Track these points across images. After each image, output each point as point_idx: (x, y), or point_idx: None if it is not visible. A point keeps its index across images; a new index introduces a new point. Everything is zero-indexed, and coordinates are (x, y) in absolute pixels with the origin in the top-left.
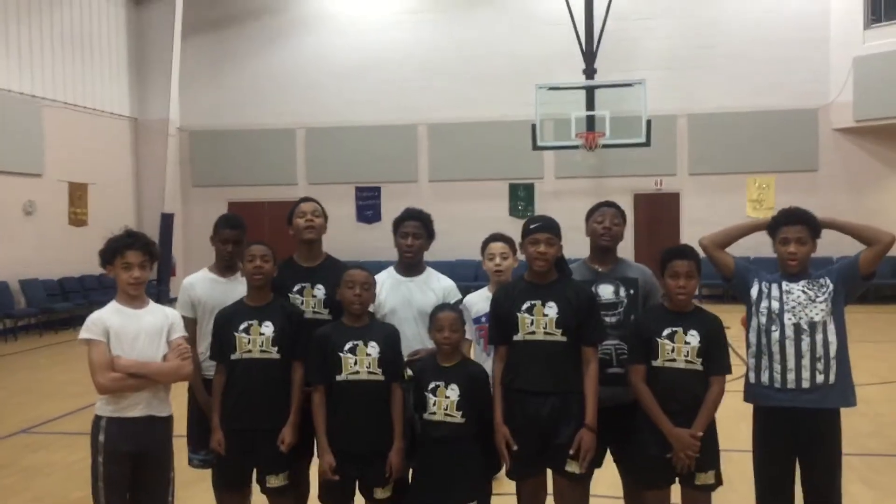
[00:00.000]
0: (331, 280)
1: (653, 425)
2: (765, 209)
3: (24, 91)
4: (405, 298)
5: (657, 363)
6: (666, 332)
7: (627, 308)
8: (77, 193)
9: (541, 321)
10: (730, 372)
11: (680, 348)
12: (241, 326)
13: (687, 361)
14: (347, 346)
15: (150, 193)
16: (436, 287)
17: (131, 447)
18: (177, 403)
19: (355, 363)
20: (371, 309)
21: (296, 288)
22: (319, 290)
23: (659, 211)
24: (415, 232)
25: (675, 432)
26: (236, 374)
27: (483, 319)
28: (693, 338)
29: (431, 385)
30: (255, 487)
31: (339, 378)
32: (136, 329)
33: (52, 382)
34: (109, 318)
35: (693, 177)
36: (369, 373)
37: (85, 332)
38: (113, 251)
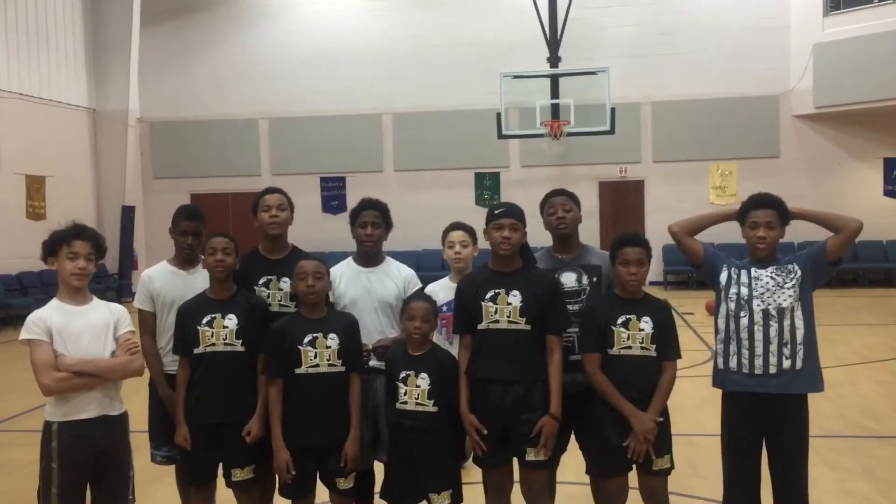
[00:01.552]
0: None
1: (612, 414)
2: (727, 196)
3: None
4: (365, 289)
5: (613, 351)
6: (620, 319)
7: (590, 296)
8: (35, 186)
9: (504, 310)
10: (680, 357)
11: (635, 335)
12: (204, 320)
13: (642, 348)
14: (307, 339)
15: (109, 186)
16: (395, 277)
17: (87, 450)
18: (138, 399)
19: (315, 356)
20: (331, 299)
21: (261, 281)
22: (285, 283)
23: (624, 198)
24: (373, 221)
25: (637, 415)
26: (201, 367)
27: (444, 308)
28: (647, 324)
29: (402, 374)
30: (220, 483)
31: (298, 371)
32: (79, 327)
33: (10, 379)
34: (51, 317)
35: (657, 164)
36: (329, 365)
37: (26, 333)
38: (59, 240)
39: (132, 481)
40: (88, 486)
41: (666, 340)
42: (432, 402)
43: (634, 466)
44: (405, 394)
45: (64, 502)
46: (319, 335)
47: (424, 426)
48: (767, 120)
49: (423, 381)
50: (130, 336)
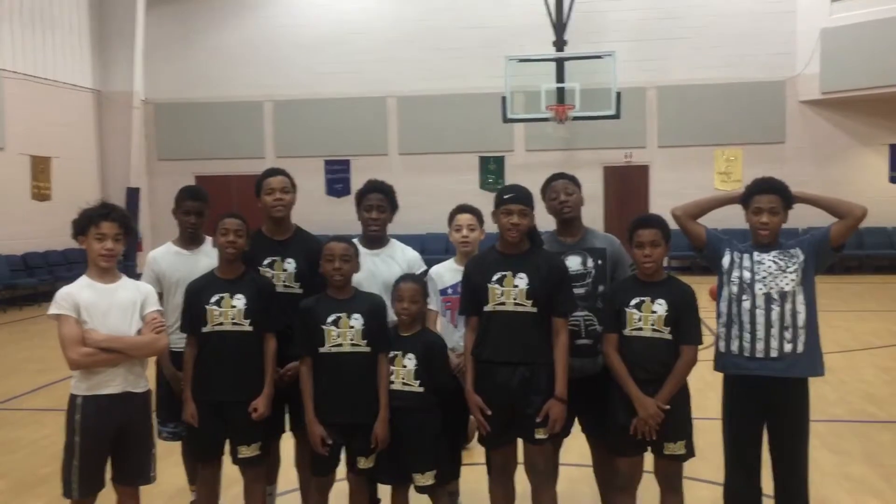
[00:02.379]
0: (301, 253)
1: (624, 394)
2: (732, 181)
3: None
4: (370, 271)
5: (626, 332)
6: (634, 301)
7: (595, 279)
8: (40, 167)
9: (511, 292)
10: (700, 342)
11: (647, 317)
12: (213, 299)
13: (654, 330)
14: (330, 319)
15: (114, 167)
16: (400, 259)
17: (110, 425)
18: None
19: (338, 335)
20: None
21: (266, 261)
22: (290, 264)
23: (628, 183)
24: (379, 204)
25: (641, 399)
26: (208, 346)
27: (449, 291)
28: (660, 306)
29: (390, 355)
30: (226, 459)
31: (322, 350)
32: (107, 304)
33: (16, 359)
34: (80, 293)
35: (662, 149)
36: (352, 345)
37: (54, 308)
38: (87, 221)
39: (154, 458)
40: (111, 462)
41: (684, 324)
42: (418, 382)
43: (650, 448)
44: (392, 374)
45: (84, 474)
46: (343, 315)
47: (410, 406)
48: (773, 105)
49: (410, 361)
50: (157, 315)
